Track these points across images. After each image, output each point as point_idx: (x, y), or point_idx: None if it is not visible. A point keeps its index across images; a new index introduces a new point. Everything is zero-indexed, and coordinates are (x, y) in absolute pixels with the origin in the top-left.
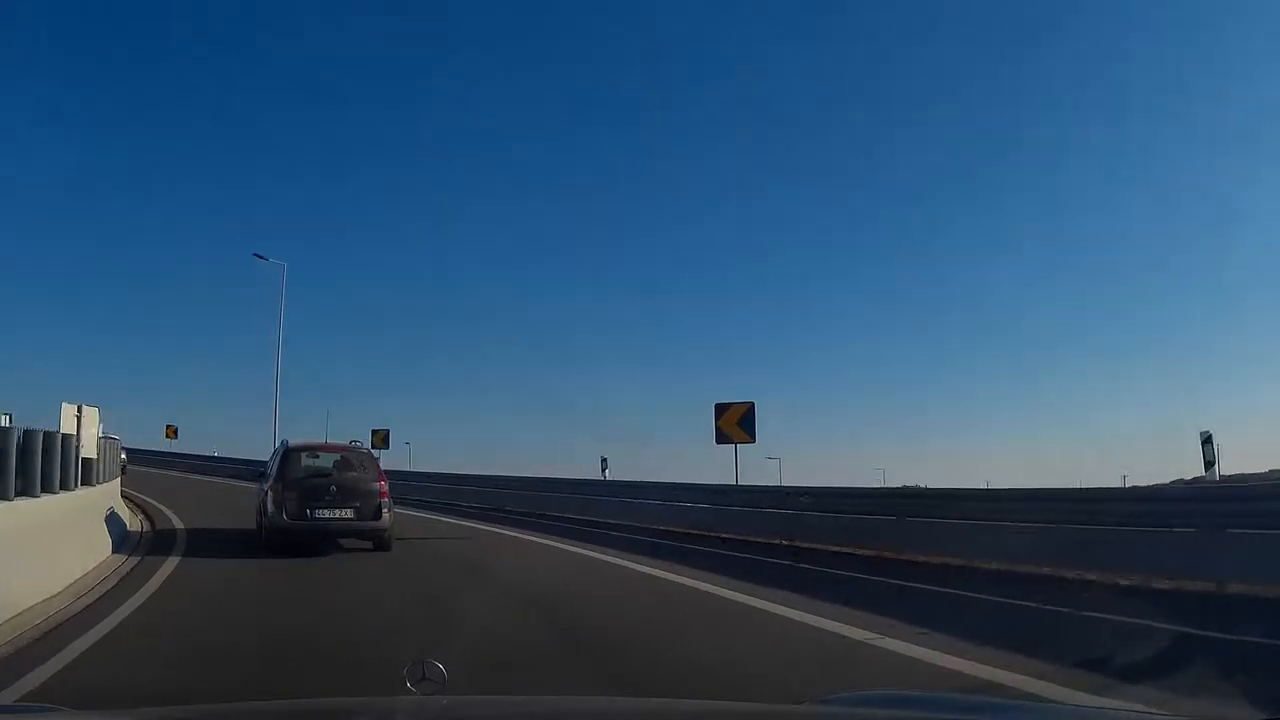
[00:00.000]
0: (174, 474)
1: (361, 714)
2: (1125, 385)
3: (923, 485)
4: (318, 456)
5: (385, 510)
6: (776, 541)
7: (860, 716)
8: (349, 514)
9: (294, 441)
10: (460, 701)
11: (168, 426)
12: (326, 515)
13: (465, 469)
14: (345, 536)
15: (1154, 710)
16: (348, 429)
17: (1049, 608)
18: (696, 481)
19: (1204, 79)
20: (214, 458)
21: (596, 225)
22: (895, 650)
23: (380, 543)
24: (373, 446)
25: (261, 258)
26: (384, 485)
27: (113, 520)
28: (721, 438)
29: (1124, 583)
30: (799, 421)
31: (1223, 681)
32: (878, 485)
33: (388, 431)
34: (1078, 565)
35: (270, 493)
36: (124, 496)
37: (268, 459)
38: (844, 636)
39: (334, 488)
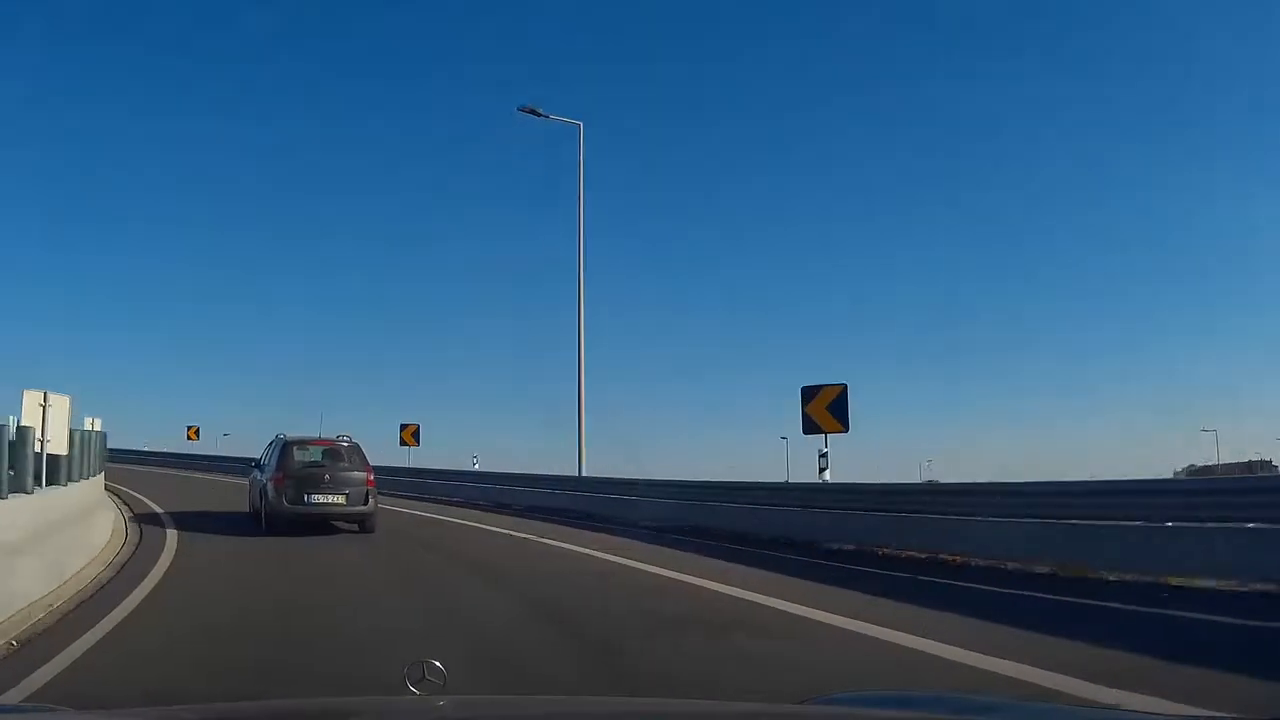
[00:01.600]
0: (160, 473)
1: (361, 714)
2: None
3: None
4: (309, 449)
5: (370, 497)
6: None
7: (860, 716)
8: (340, 500)
9: (290, 436)
10: (460, 701)
11: (403, 428)
12: (321, 501)
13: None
14: (336, 520)
15: (1154, 710)
16: None
17: None
18: None
19: None
20: (197, 456)
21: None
22: None
23: (365, 525)
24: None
25: (537, 112)
26: (370, 476)
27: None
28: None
29: None
30: None
31: None
32: None
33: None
34: None
35: (271, 481)
36: None
37: (261, 454)
38: None
39: (327, 477)
